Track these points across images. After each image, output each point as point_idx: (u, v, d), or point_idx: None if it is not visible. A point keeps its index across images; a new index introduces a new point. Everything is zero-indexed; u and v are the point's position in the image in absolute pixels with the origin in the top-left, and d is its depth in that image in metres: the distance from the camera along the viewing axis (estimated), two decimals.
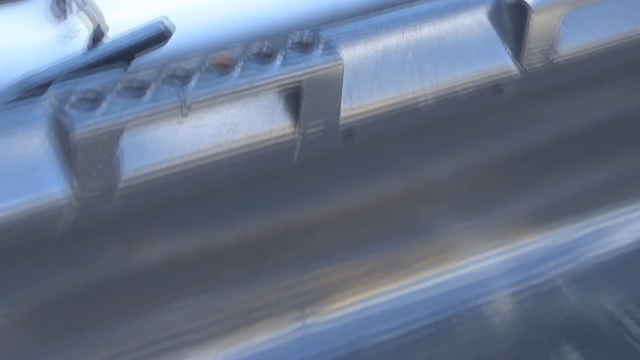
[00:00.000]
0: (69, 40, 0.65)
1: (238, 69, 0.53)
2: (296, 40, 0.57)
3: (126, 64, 0.57)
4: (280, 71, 0.54)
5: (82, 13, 0.63)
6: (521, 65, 0.69)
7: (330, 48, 0.57)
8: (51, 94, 0.50)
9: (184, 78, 0.51)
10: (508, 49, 0.68)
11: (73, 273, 0.58)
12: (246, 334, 0.70)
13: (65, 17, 0.64)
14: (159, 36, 0.59)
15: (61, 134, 0.48)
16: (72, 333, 0.60)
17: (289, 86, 0.56)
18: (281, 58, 0.55)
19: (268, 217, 0.67)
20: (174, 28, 0.59)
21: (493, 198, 0.83)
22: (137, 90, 0.50)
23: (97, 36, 0.62)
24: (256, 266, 0.69)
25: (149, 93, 0.49)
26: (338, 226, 0.73)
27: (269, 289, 0.70)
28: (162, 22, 0.59)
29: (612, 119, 0.86)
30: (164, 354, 0.65)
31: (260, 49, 0.55)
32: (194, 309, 0.66)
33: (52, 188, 0.49)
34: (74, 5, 0.64)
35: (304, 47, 0.56)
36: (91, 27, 0.62)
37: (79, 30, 0.65)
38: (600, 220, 0.88)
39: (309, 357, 0.72)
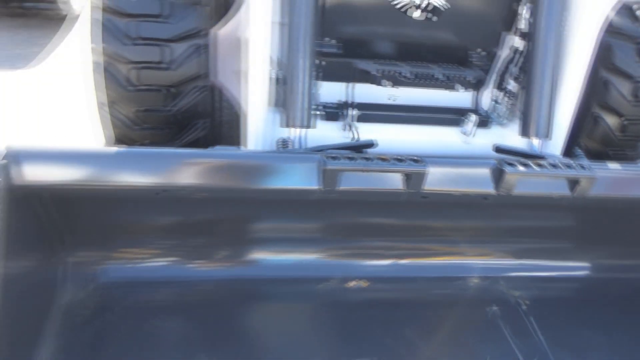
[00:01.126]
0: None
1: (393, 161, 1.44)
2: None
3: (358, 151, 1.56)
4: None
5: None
6: None
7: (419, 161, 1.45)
8: (323, 152, 1.47)
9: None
10: None
11: None
12: None
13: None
14: (372, 145, 1.63)
15: (320, 165, 1.42)
16: None
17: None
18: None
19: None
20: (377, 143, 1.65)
21: None
22: (362, 160, 1.43)
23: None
24: None
25: (360, 160, 1.42)
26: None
27: None
28: (374, 140, 1.64)
29: None
30: None
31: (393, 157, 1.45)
32: None
33: (312, 185, 1.40)
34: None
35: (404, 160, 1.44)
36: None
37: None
38: None
39: None
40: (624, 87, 2.08)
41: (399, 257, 1.88)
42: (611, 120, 2.14)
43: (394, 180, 1.47)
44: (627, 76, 2.07)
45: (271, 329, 1.69)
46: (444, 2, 1.92)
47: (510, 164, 1.49)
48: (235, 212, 1.71)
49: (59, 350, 1.46)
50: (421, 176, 1.45)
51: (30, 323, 1.47)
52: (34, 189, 1.37)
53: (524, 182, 1.51)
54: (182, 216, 1.70)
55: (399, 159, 1.45)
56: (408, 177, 1.46)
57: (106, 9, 1.83)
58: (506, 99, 2.12)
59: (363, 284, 1.86)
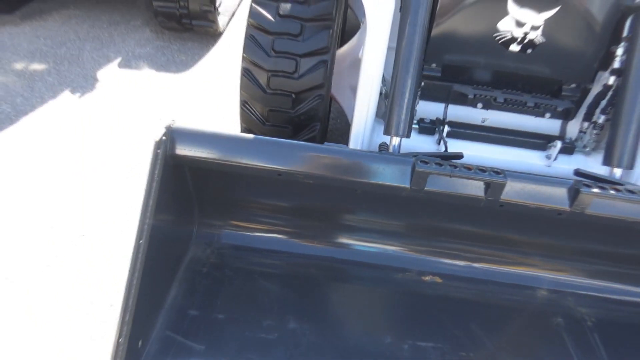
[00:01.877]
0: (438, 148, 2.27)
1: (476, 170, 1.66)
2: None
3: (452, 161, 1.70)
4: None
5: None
6: None
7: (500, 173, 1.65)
8: (417, 157, 1.68)
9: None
10: None
11: None
12: None
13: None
14: (460, 156, 1.87)
15: (412, 167, 1.68)
16: None
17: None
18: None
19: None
20: (463, 156, 1.90)
21: None
22: (449, 166, 1.65)
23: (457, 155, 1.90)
24: None
25: (447, 167, 1.64)
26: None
27: None
28: (461, 153, 1.91)
29: None
30: None
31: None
32: None
33: (403, 183, 1.69)
34: None
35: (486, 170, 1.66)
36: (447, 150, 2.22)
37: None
38: None
39: None
40: None
41: (474, 261, 2.07)
42: None
43: (476, 188, 1.68)
44: None
45: (350, 305, 1.95)
46: (540, 37, 2.13)
47: (587, 185, 1.63)
48: (336, 201, 1.98)
49: (183, 293, 1.87)
50: (500, 186, 1.63)
51: (168, 267, 1.86)
52: (182, 160, 1.72)
53: (598, 203, 1.65)
54: (292, 200, 2.01)
55: (482, 169, 1.65)
56: (488, 185, 1.65)
57: (256, 27, 2.28)
58: (593, 129, 2.26)
59: (437, 279, 2.08)
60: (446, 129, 2.27)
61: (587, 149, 2.30)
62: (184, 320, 1.78)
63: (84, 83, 3.76)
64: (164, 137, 1.65)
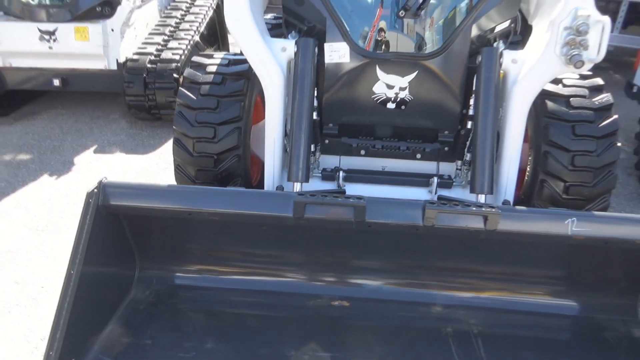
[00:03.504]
0: None
1: None
2: None
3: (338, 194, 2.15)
4: None
5: None
6: None
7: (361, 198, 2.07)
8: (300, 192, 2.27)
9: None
10: None
11: None
12: None
13: None
14: (342, 192, 2.37)
15: (293, 199, 2.07)
16: None
17: None
18: None
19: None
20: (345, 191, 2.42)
21: None
22: (321, 196, 2.11)
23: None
24: None
25: (319, 196, 2.09)
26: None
27: None
28: (344, 189, 2.60)
29: None
30: None
31: None
32: None
33: (287, 213, 2.09)
34: None
35: (351, 197, 2.09)
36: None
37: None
38: None
39: None
40: (563, 158, 2.57)
41: (376, 280, 2.41)
42: (555, 184, 2.59)
43: (347, 212, 2.05)
44: (564, 149, 2.57)
45: (264, 327, 2.26)
46: (409, 96, 2.64)
47: (431, 203, 2.02)
48: (244, 237, 2.36)
49: (120, 325, 2.16)
50: (363, 209, 2.01)
51: (106, 307, 2.18)
52: (116, 209, 2.07)
53: (442, 217, 2.01)
54: (208, 240, 2.39)
55: (348, 197, 2.07)
56: (355, 209, 2.01)
57: (183, 104, 2.83)
58: (464, 166, 2.72)
59: (345, 303, 2.42)
60: (342, 174, 2.73)
61: (464, 183, 2.73)
62: (116, 345, 2.12)
63: (62, 168, 4.31)
64: (95, 190, 2.03)
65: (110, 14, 4.85)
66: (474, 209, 2.03)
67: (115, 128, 5.09)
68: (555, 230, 2.03)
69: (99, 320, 2.13)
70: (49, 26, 4.71)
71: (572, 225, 2.01)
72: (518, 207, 2.23)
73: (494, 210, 2.00)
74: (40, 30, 4.71)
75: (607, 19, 2.23)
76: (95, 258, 2.02)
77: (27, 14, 4.81)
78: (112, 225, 2.17)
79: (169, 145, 4.67)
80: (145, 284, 2.42)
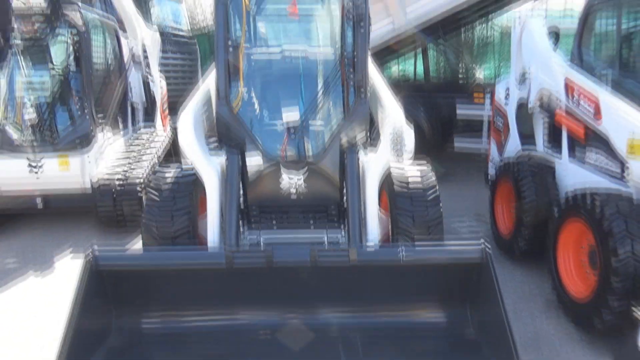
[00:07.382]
0: None
1: None
2: None
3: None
4: None
5: None
6: None
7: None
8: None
9: None
10: None
11: None
12: None
13: None
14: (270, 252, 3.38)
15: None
16: None
17: None
18: None
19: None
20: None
21: None
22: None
23: None
24: None
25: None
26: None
27: None
28: (271, 249, 3.37)
29: None
30: None
31: None
32: None
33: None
34: None
35: None
36: None
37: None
38: None
39: None
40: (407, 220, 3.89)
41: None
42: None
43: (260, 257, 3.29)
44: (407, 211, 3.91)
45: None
46: (305, 187, 3.95)
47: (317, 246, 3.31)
48: (192, 284, 3.46)
49: None
50: (271, 254, 3.25)
51: (89, 350, 3.15)
52: (102, 269, 3.21)
53: (322, 255, 3.29)
54: (168, 292, 3.45)
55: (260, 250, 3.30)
56: (267, 255, 3.28)
57: (150, 200, 4.05)
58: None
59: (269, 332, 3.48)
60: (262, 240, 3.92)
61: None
62: None
63: (43, 266, 5.27)
64: (90, 255, 3.19)
65: (86, 145, 6.10)
66: (342, 247, 3.27)
67: (87, 235, 6.14)
68: (391, 257, 3.26)
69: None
70: (37, 158, 5.90)
71: (402, 254, 3.24)
72: (368, 244, 3.47)
73: (354, 247, 3.24)
74: (30, 164, 5.89)
75: (410, 129, 3.70)
76: (86, 311, 3.02)
77: (17, 149, 5.97)
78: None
79: (134, 244, 5.74)
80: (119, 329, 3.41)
